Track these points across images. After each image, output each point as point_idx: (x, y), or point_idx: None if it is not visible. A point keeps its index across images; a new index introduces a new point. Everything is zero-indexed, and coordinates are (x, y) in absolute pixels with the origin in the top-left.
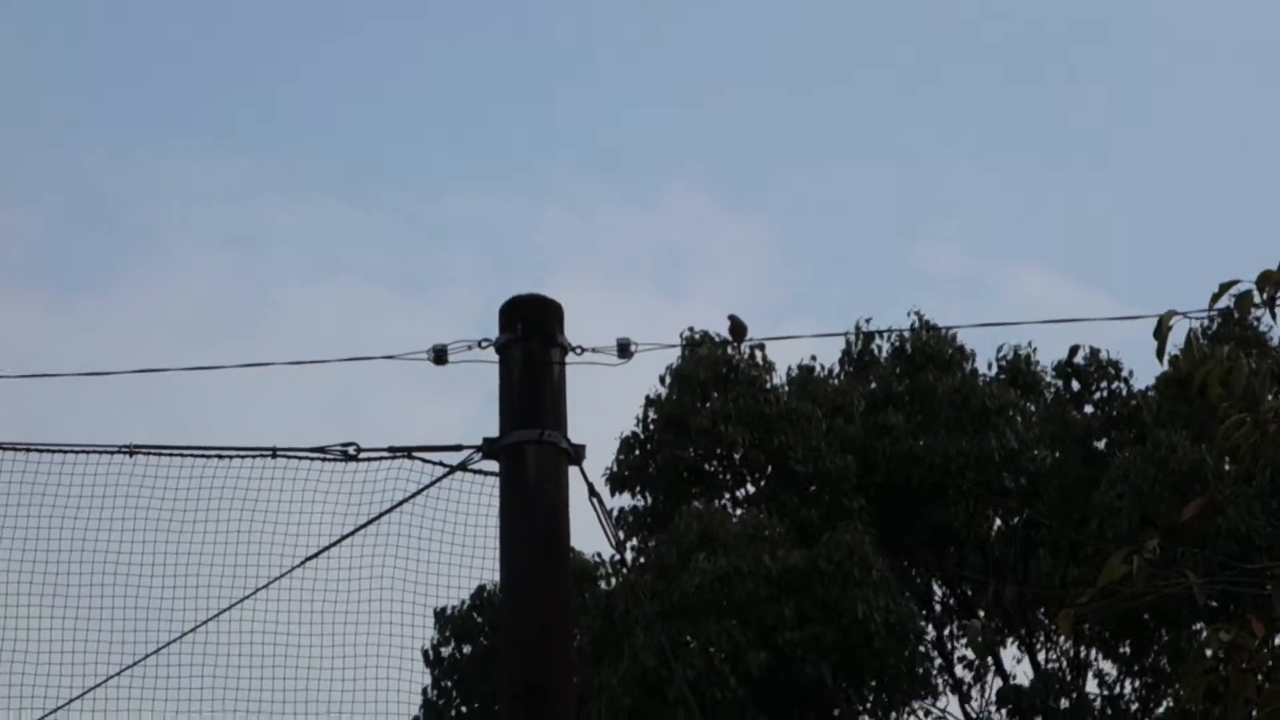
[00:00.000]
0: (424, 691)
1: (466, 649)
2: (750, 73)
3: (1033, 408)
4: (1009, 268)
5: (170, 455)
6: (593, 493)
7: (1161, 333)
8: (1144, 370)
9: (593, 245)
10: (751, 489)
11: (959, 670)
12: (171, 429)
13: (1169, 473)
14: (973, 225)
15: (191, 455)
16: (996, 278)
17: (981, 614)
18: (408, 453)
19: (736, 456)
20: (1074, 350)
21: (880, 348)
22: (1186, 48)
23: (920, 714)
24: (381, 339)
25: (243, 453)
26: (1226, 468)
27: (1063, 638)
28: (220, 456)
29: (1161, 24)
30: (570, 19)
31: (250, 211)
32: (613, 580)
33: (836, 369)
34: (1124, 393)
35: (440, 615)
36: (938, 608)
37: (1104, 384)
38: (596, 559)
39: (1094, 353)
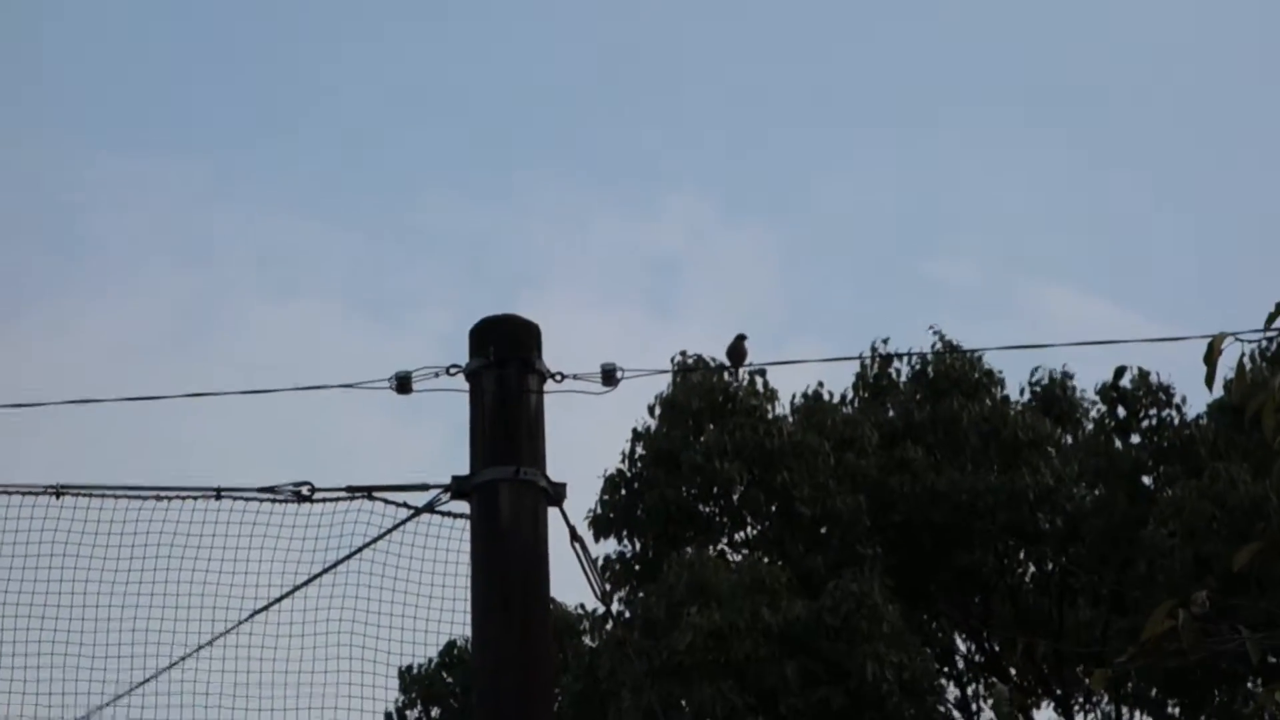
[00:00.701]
0: None
1: (435, 712)
2: (756, 74)
3: (1071, 439)
4: (1036, 285)
5: (103, 496)
6: (575, 537)
7: (1212, 357)
8: (1198, 395)
9: (579, 260)
10: (751, 533)
11: None
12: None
13: (1227, 510)
14: (994, 238)
15: (126, 495)
16: (1022, 296)
17: (1012, 672)
18: (368, 493)
19: (734, 496)
20: (1120, 372)
21: (898, 371)
22: (1228, 44)
23: None
24: (342, 365)
25: (184, 493)
26: None
27: (1102, 699)
28: (159, 497)
29: (1201, 22)
30: (555, 15)
31: (201, 224)
32: (597, 635)
33: (849, 395)
34: (1175, 421)
35: (405, 674)
36: (960, 664)
37: (1153, 411)
38: (579, 611)
39: (1142, 375)
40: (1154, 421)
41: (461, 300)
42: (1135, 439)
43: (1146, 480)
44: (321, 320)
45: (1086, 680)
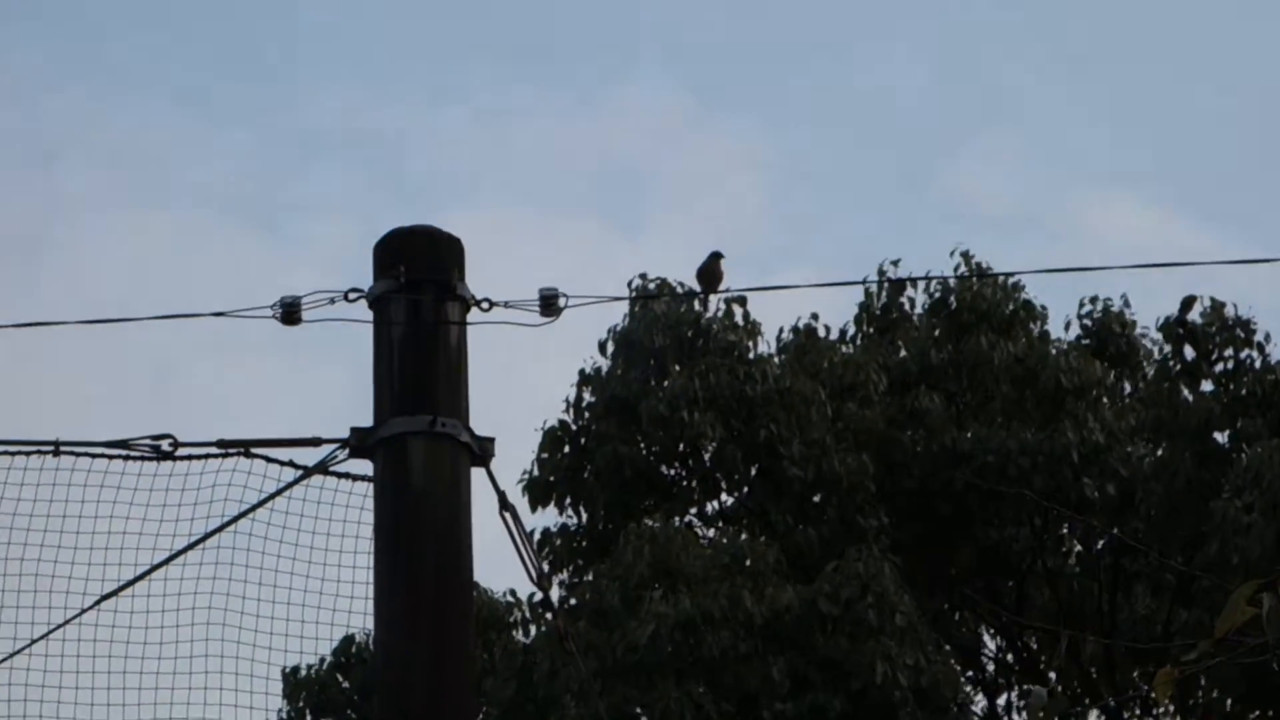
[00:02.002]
0: None
1: None
2: None
3: (1128, 386)
4: (1087, 195)
5: None
6: (505, 505)
7: None
8: None
9: (512, 162)
10: (728, 500)
11: None
12: None
13: None
14: (1037, 138)
15: None
16: (1070, 208)
17: (1052, 676)
18: (244, 449)
19: (706, 455)
20: (1189, 302)
21: (912, 301)
22: None
23: None
24: (217, 290)
25: (13, 447)
26: None
27: (1165, 706)
28: None
29: None
30: None
31: (39, 115)
32: (532, 628)
33: (850, 332)
34: (1257, 364)
35: (292, 677)
36: (989, 666)
37: (1229, 351)
38: (510, 599)
39: (1216, 307)
40: (1230, 365)
41: (367, 214)
42: (1207, 386)
43: (1220, 438)
44: (190, 236)
45: (1145, 687)
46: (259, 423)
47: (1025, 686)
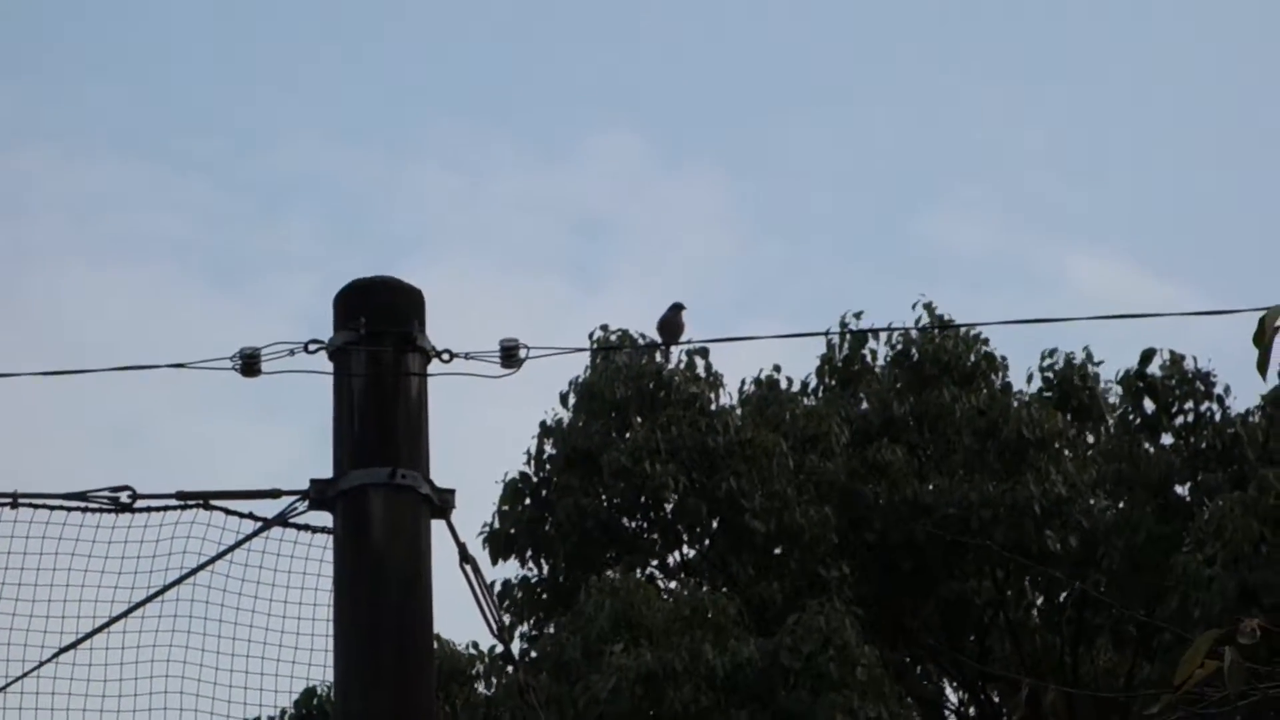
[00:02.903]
0: None
1: None
2: None
3: (1090, 438)
4: (1053, 248)
5: None
6: (465, 557)
7: (1265, 336)
8: (1245, 385)
9: (476, 217)
10: (690, 552)
11: None
12: None
13: None
14: (1005, 190)
15: None
16: (1036, 261)
17: None
18: (203, 501)
19: (668, 507)
20: (1148, 355)
21: (875, 354)
22: None
23: None
24: (176, 342)
25: None
26: None
27: None
28: None
29: None
30: None
31: (8, 169)
32: (494, 681)
33: (812, 384)
34: (1217, 416)
35: None
36: (951, 718)
37: (1189, 404)
38: (471, 651)
39: (1175, 360)
40: (1190, 418)
41: (328, 266)
42: (1167, 439)
43: (1181, 491)
44: (151, 288)
45: None
46: (218, 475)
47: None
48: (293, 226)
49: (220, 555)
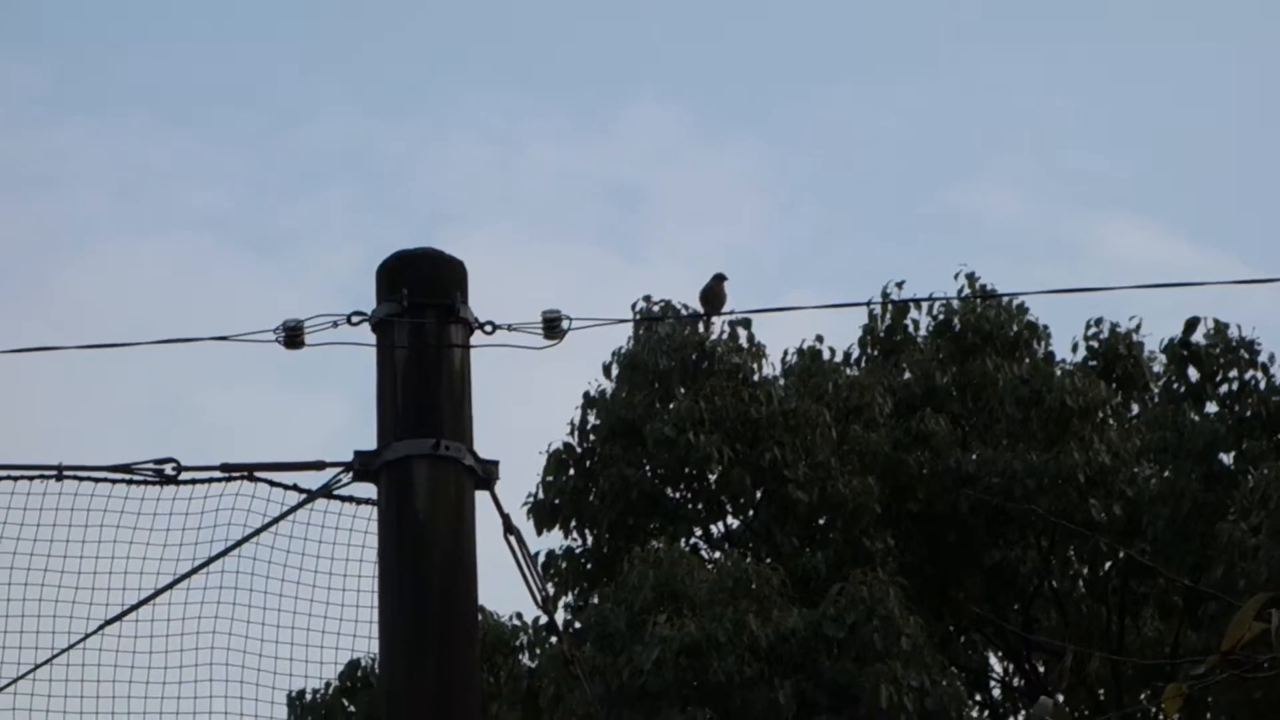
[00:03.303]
0: None
1: None
2: None
3: (1135, 407)
4: (1094, 218)
5: None
6: (509, 528)
7: None
8: None
9: (516, 186)
10: (733, 523)
11: None
12: None
13: None
14: (1045, 161)
15: None
16: (1078, 231)
17: (1059, 698)
18: (248, 473)
19: (712, 478)
20: (1192, 324)
21: (917, 324)
22: None
23: None
24: (219, 313)
25: (16, 472)
26: None
27: None
28: None
29: None
30: None
31: (46, 140)
32: (538, 651)
33: (854, 354)
34: (1261, 384)
35: (297, 701)
36: (996, 688)
37: (1233, 373)
38: (515, 622)
39: (1220, 329)
40: (1234, 386)
41: (368, 238)
42: (1211, 408)
43: (1225, 459)
44: (193, 261)
45: (1153, 707)
46: (262, 447)
47: (1033, 706)
48: (332, 198)
49: (265, 527)
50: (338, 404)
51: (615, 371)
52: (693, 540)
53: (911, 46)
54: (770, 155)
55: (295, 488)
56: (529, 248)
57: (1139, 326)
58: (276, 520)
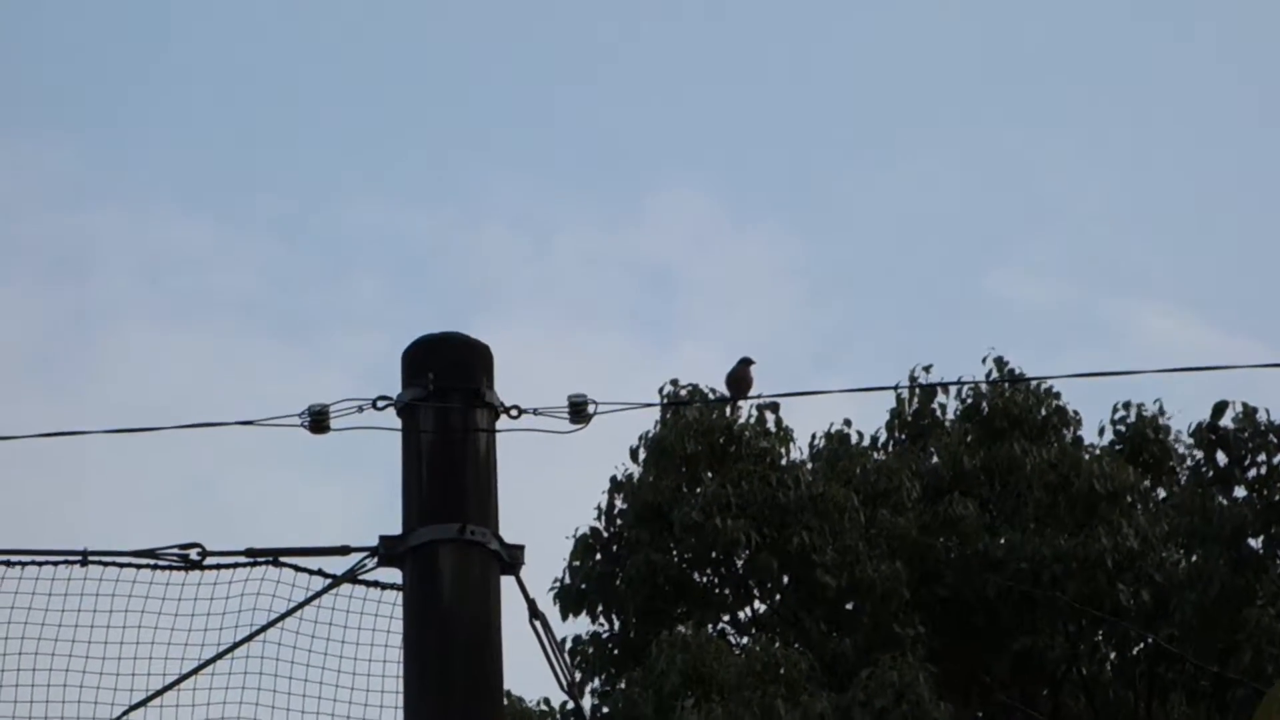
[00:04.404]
0: None
1: None
2: (769, 43)
3: (1162, 492)
4: (1123, 305)
5: None
6: (535, 613)
7: None
8: None
9: (544, 272)
10: (761, 607)
11: None
12: None
13: None
14: (1071, 245)
15: None
16: (1106, 317)
17: None
18: (273, 558)
19: (739, 562)
20: (1221, 408)
21: (944, 408)
22: None
23: None
24: (247, 400)
25: (42, 557)
26: None
27: None
28: (9, 563)
29: None
30: None
31: (74, 227)
32: None
33: (882, 438)
34: None
35: None
36: None
37: (1262, 457)
38: (543, 708)
39: (1248, 412)
40: (1263, 470)
41: (395, 324)
42: (1240, 492)
43: (1254, 543)
44: (221, 347)
45: None
46: (287, 532)
47: None
48: (359, 285)
49: (290, 612)
50: (363, 489)
51: (642, 455)
52: (720, 625)
53: (940, 129)
54: (799, 239)
55: (320, 573)
56: (558, 333)
57: (1162, 409)
58: (302, 605)
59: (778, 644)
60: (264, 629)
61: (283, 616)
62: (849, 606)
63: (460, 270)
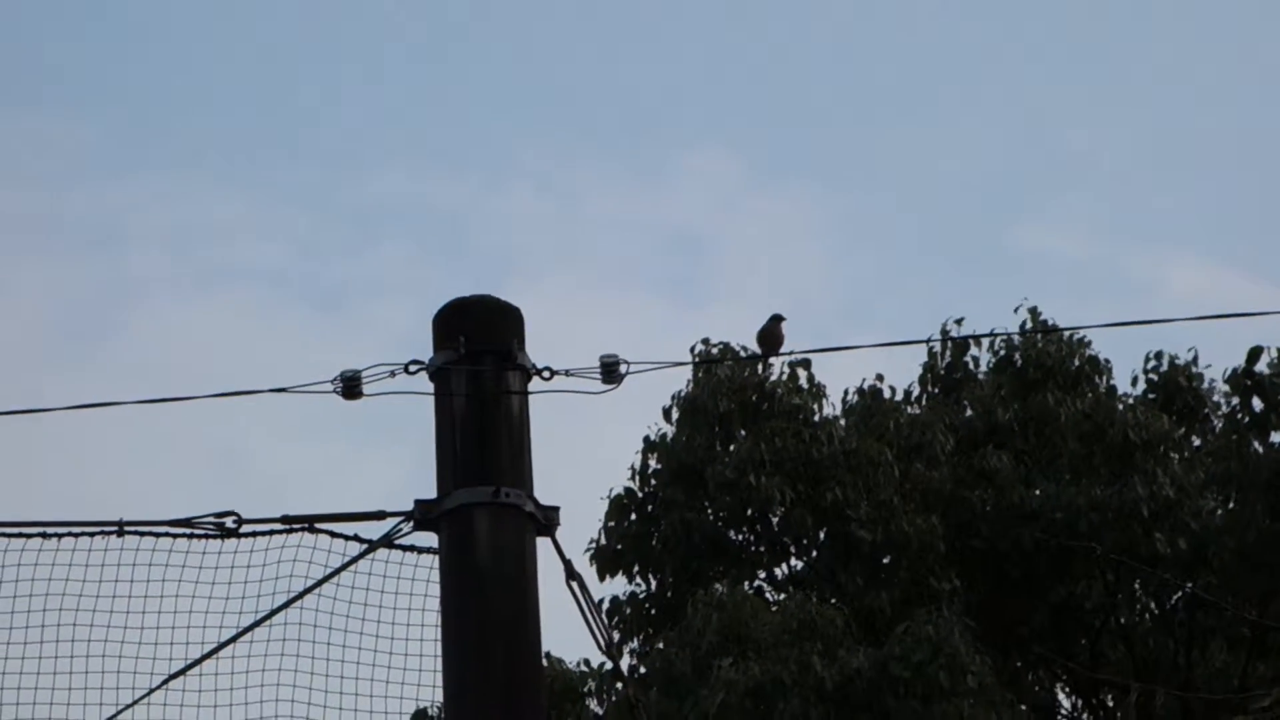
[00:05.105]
0: None
1: None
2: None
3: (1197, 440)
4: (1154, 255)
5: None
6: (571, 574)
7: None
8: None
9: (573, 236)
10: (797, 564)
11: None
12: None
13: None
14: (1103, 199)
15: (4, 534)
16: (1137, 268)
17: None
18: (308, 524)
19: (774, 519)
20: (1255, 353)
21: (976, 360)
22: None
23: None
24: (280, 369)
25: (77, 528)
26: None
27: None
28: (45, 535)
29: None
30: None
31: (104, 198)
32: (604, 698)
33: (915, 392)
34: None
35: None
36: None
37: None
38: (582, 668)
39: None
40: None
41: (424, 290)
42: (1276, 437)
43: None
44: (252, 317)
45: None
46: (322, 498)
47: None
48: (389, 252)
49: (326, 578)
50: (397, 454)
51: (675, 415)
52: (756, 583)
53: (969, 85)
54: (828, 198)
55: (356, 538)
56: (588, 297)
57: (1196, 359)
58: (338, 571)
59: (814, 600)
60: (301, 596)
61: (319, 583)
62: (885, 561)
63: (489, 235)
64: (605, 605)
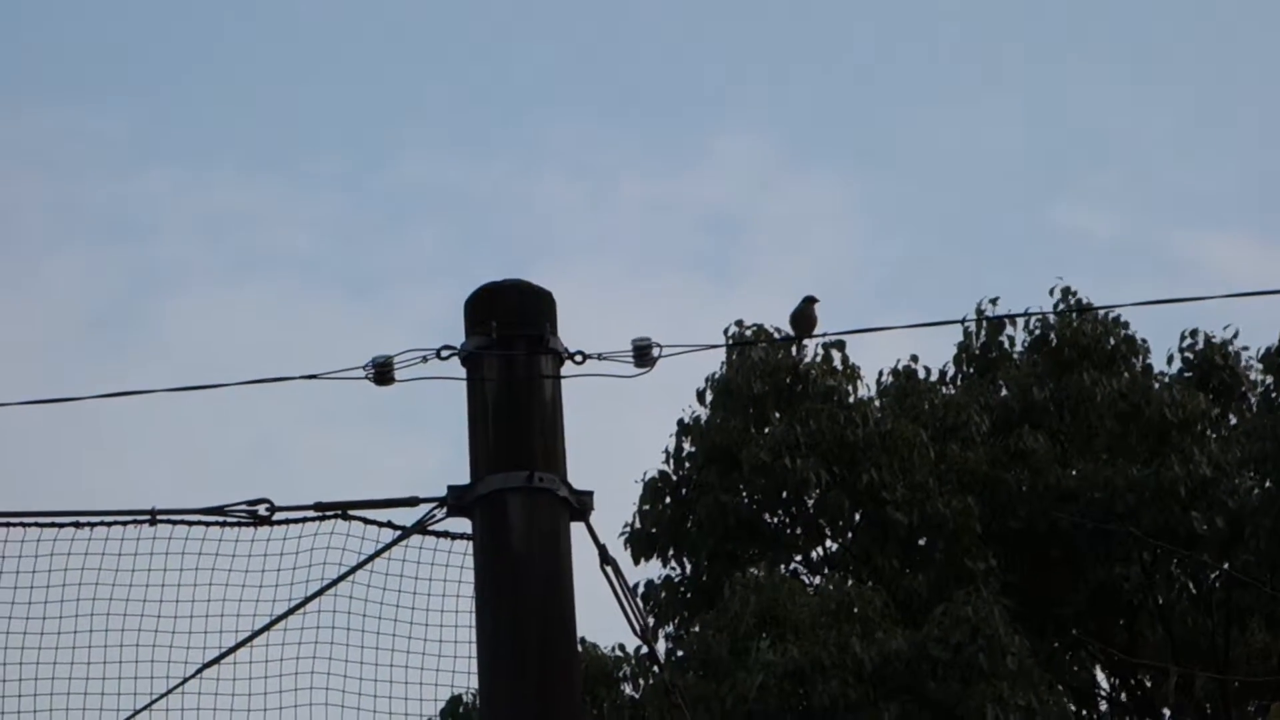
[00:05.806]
0: None
1: None
2: None
3: (1234, 418)
4: (1192, 233)
5: (6, 524)
6: (606, 559)
7: None
8: None
9: (606, 220)
10: (833, 546)
11: None
12: (12, 486)
13: None
14: (1141, 177)
15: (36, 523)
16: (1175, 246)
17: (1166, 712)
18: (341, 511)
19: (810, 501)
20: None
21: (1011, 340)
22: None
23: None
24: (311, 356)
25: (110, 517)
26: None
27: None
28: (78, 524)
29: None
30: None
31: (134, 188)
32: (640, 682)
33: (950, 372)
34: None
35: None
36: (1103, 705)
37: None
38: (617, 653)
39: None
40: None
41: (456, 275)
42: None
43: None
44: (283, 303)
45: (1261, 718)
46: (355, 485)
47: None
48: (420, 237)
49: (360, 565)
50: (430, 439)
51: (709, 397)
52: (793, 565)
53: (1004, 63)
54: (862, 178)
55: (389, 524)
56: (620, 280)
57: (1236, 336)
58: (372, 558)
59: (850, 582)
60: (335, 583)
61: (353, 570)
62: (921, 543)
63: (520, 220)
64: (640, 589)
